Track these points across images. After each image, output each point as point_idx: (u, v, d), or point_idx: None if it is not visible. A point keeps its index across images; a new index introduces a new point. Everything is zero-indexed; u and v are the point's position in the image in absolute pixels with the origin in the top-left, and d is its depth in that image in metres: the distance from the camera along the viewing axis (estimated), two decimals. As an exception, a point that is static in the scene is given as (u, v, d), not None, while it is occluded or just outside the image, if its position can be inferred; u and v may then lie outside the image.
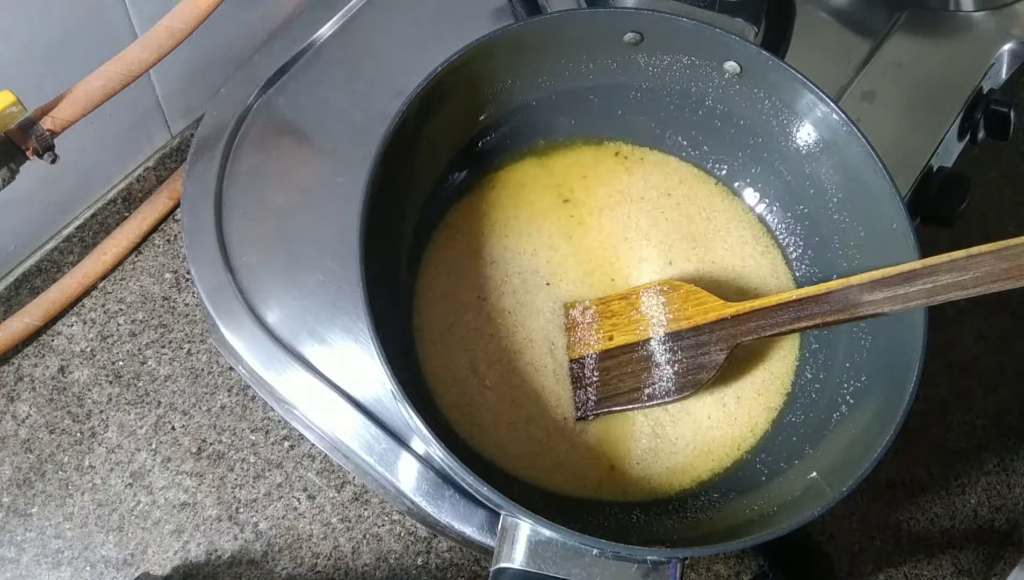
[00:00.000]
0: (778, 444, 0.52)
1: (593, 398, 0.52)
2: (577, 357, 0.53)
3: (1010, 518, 0.66)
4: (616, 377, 0.52)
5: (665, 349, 0.52)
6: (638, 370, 0.52)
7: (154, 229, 0.66)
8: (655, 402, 0.51)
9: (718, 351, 0.50)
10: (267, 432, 0.61)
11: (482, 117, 0.57)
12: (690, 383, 0.51)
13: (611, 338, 0.53)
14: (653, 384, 0.52)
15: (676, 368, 0.51)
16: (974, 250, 0.42)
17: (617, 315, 0.53)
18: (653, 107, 0.57)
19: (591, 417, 0.52)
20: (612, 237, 0.56)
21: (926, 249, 0.46)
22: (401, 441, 0.53)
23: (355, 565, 0.58)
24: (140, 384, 0.62)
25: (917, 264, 0.43)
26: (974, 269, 0.40)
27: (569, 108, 0.57)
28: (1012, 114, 0.65)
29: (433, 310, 0.54)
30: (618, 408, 0.52)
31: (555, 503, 0.50)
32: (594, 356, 0.53)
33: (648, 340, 0.52)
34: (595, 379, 0.53)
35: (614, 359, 0.53)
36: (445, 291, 0.55)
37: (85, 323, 0.63)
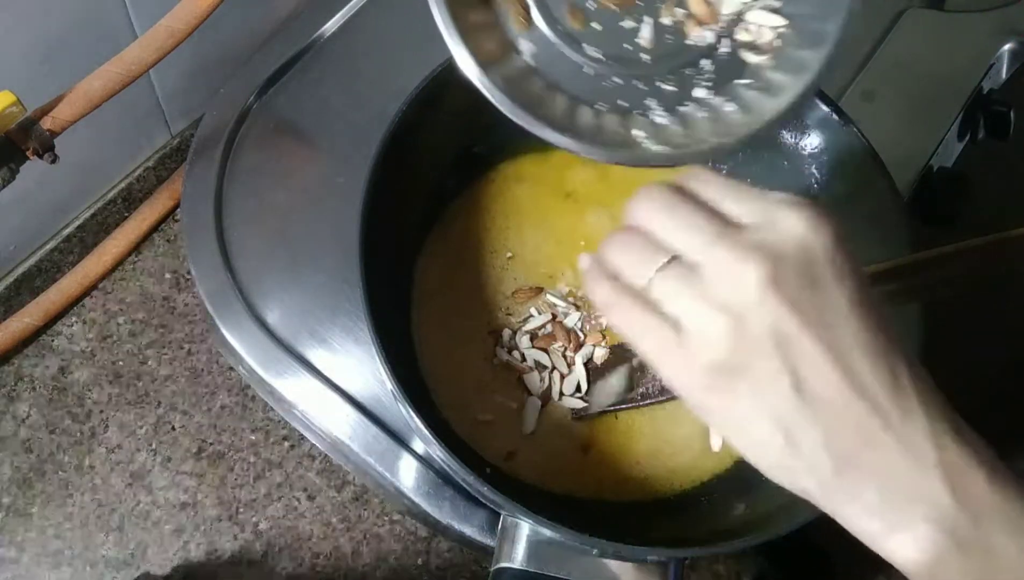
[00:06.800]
0: (778, 444, 0.52)
1: (587, 398, 0.52)
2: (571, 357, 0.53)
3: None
4: None
5: None
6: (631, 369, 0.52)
7: (154, 229, 0.66)
8: (649, 401, 0.51)
9: None
10: (267, 432, 0.61)
11: (481, 118, 0.57)
12: None
13: (603, 337, 0.53)
14: (646, 383, 0.52)
15: None
16: (962, 245, 0.43)
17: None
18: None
19: (584, 416, 0.52)
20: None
21: (926, 249, 0.46)
22: (401, 441, 0.53)
23: (355, 565, 0.58)
24: (140, 384, 0.62)
25: (907, 259, 0.44)
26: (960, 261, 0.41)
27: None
28: (1012, 114, 0.65)
29: (433, 304, 0.54)
30: (611, 408, 0.52)
31: (555, 503, 0.50)
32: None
33: None
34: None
35: (606, 359, 0.53)
36: (445, 284, 0.55)
37: (85, 323, 0.63)
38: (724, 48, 0.39)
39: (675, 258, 0.31)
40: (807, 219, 0.29)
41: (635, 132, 0.37)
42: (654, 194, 0.33)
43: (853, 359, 0.29)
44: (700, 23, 0.39)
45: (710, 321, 0.29)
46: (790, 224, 0.29)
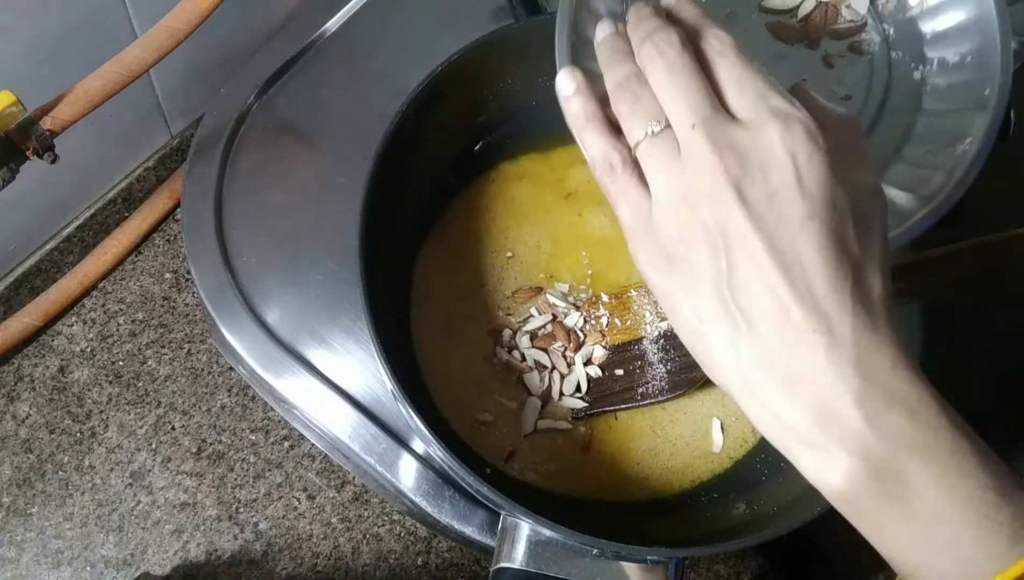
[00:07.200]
0: (778, 444, 0.52)
1: (587, 398, 0.52)
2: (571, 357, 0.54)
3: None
4: (609, 377, 0.52)
5: (657, 348, 0.52)
6: (630, 370, 0.52)
7: (154, 229, 0.66)
8: (648, 401, 0.51)
9: None
10: (267, 432, 0.61)
11: (481, 118, 0.57)
12: (683, 382, 0.51)
13: (603, 337, 0.53)
14: (646, 383, 0.52)
15: (669, 367, 0.51)
16: (962, 245, 0.43)
17: (608, 315, 0.54)
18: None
19: (584, 416, 0.52)
20: (615, 231, 0.56)
21: (925, 248, 0.46)
22: (401, 441, 0.53)
23: (355, 565, 0.58)
24: (140, 384, 0.62)
25: (907, 259, 0.44)
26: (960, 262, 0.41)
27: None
28: (1012, 114, 0.65)
29: (433, 304, 0.54)
30: (611, 408, 0.52)
31: (555, 503, 0.50)
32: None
33: (640, 339, 0.52)
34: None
35: (606, 359, 0.53)
36: (445, 284, 0.55)
37: (85, 323, 0.63)
38: (891, 32, 0.41)
39: (668, 128, 0.32)
40: (786, 133, 0.30)
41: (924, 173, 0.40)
42: (662, 43, 0.32)
43: (795, 273, 0.29)
44: (858, 33, 0.42)
45: (673, 204, 0.31)
46: (771, 134, 0.30)
